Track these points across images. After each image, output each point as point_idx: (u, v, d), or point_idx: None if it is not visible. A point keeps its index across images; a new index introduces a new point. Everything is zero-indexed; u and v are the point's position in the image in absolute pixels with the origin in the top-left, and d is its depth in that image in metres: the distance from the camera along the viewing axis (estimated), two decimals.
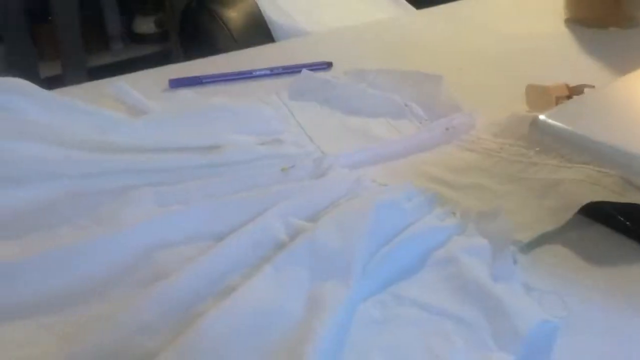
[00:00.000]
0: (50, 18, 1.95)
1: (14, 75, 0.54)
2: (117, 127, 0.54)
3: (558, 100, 0.61)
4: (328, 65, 0.77)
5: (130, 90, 0.62)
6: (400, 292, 0.39)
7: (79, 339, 0.34)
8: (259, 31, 1.28)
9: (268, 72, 0.74)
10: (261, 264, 0.39)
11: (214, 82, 0.73)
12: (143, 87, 0.66)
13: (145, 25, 2.38)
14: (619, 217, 0.46)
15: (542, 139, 0.46)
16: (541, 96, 0.63)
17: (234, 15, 1.38)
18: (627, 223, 0.45)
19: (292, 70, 0.74)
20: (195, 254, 0.40)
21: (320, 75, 0.70)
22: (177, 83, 0.72)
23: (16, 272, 0.38)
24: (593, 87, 0.59)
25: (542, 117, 0.44)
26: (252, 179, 0.50)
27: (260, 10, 1.30)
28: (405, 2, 1.38)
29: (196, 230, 0.43)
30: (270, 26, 1.28)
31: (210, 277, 0.39)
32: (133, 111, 0.61)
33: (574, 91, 0.61)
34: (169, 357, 0.32)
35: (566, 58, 0.81)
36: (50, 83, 0.72)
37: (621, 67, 0.70)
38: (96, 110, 0.55)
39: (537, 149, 0.54)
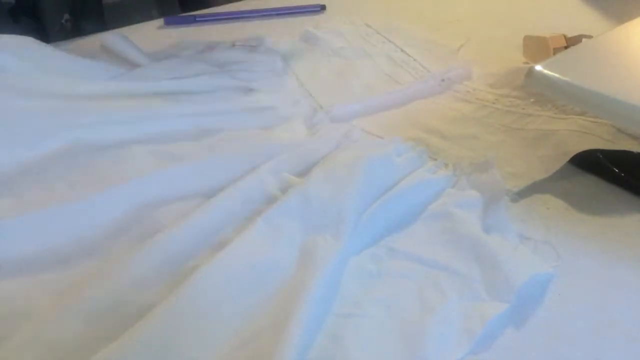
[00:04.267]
0: None
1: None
2: (107, 79, 0.53)
3: (555, 51, 0.60)
4: (321, 7, 0.76)
5: (124, 43, 0.62)
6: (394, 245, 0.40)
7: (73, 295, 0.35)
8: None
9: (261, 13, 0.74)
10: (253, 218, 0.39)
11: (207, 21, 0.74)
12: (138, 27, 0.66)
13: None
14: (611, 166, 0.46)
15: (537, 89, 0.45)
16: (539, 47, 0.62)
17: None
18: (622, 174, 0.45)
19: (285, 11, 0.74)
20: (188, 210, 0.40)
21: (319, 30, 0.69)
22: (172, 21, 0.75)
23: (11, 229, 0.38)
24: (591, 37, 0.59)
25: (537, 67, 0.44)
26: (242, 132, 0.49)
27: None
28: None
29: (189, 186, 0.43)
30: None
31: (203, 232, 0.39)
32: (126, 63, 0.61)
33: (571, 42, 0.60)
34: (163, 312, 0.33)
35: (565, 8, 0.80)
36: None
37: (620, 17, 0.69)
38: (85, 62, 0.55)
39: (532, 100, 0.54)
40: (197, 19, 0.74)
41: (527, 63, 0.63)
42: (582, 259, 0.40)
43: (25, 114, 0.47)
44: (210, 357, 0.32)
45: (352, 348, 0.33)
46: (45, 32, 0.66)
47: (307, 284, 0.34)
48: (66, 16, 0.80)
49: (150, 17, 0.77)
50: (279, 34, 0.60)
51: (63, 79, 0.51)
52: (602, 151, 0.46)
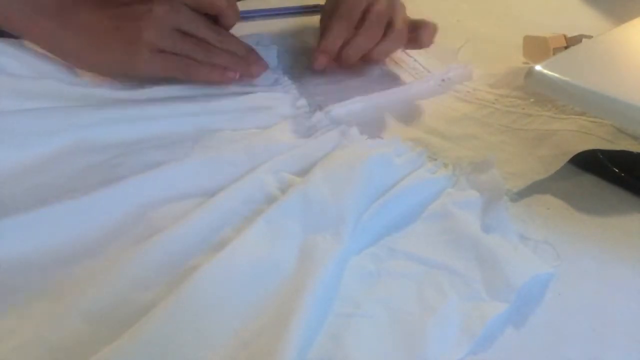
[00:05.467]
0: None
1: None
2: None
3: (555, 51, 0.60)
4: (320, 8, 0.75)
5: None
6: (394, 245, 0.40)
7: (73, 295, 0.35)
8: None
9: (260, 13, 0.73)
10: (254, 218, 0.39)
11: None
12: None
13: None
14: (611, 166, 0.46)
15: (537, 89, 0.45)
16: (539, 47, 0.62)
17: None
18: (622, 174, 0.45)
19: (283, 12, 0.73)
20: (188, 210, 0.40)
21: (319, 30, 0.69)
22: None
23: (11, 229, 0.38)
24: (591, 37, 0.59)
25: (537, 67, 0.44)
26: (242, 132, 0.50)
27: None
28: None
29: (189, 186, 0.43)
30: None
31: (203, 231, 0.39)
32: None
33: (571, 42, 0.60)
34: (163, 312, 0.33)
35: (565, 8, 0.80)
36: None
37: (620, 18, 0.69)
38: None
39: (532, 100, 0.54)
40: None
41: (527, 63, 0.63)
42: (582, 259, 0.40)
43: (25, 114, 0.47)
44: (210, 357, 0.32)
45: (352, 348, 0.33)
46: None
47: (307, 284, 0.34)
48: None
49: None
50: (277, 34, 0.60)
51: (62, 80, 0.51)
52: (602, 151, 0.46)
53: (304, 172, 0.44)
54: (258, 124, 0.51)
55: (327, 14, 0.58)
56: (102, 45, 0.50)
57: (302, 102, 0.54)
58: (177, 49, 0.51)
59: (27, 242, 0.38)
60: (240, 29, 0.70)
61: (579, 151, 0.46)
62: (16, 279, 0.36)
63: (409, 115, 0.54)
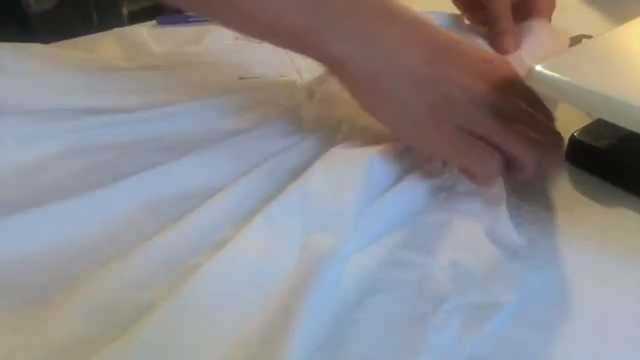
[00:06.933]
0: None
1: None
2: (109, 77, 0.53)
3: None
4: None
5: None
6: (394, 244, 0.40)
7: (73, 294, 0.35)
8: None
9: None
10: (253, 216, 0.39)
11: (201, 20, 0.74)
12: (132, 27, 0.71)
13: None
14: (611, 166, 0.46)
15: (537, 89, 0.45)
16: None
17: None
18: (623, 174, 0.46)
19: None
20: (188, 210, 0.40)
21: None
22: (166, 21, 0.75)
23: (11, 230, 0.38)
24: (591, 37, 0.59)
25: (537, 67, 0.44)
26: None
27: None
28: None
29: (189, 185, 0.43)
30: None
31: (203, 231, 0.39)
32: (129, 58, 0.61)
33: (571, 42, 0.60)
34: (163, 311, 0.33)
35: (565, 8, 0.80)
36: None
37: (620, 17, 0.69)
38: (85, 61, 0.55)
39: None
40: (190, 20, 0.74)
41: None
42: (582, 259, 0.40)
43: (26, 115, 0.47)
44: (210, 357, 0.32)
45: (352, 348, 0.33)
46: None
47: (307, 283, 0.34)
48: None
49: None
50: None
51: (63, 80, 0.52)
52: (602, 151, 0.47)
53: (304, 170, 0.44)
54: (258, 122, 0.51)
55: None
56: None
57: (304, 101, 0.54)
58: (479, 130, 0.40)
59: (27, 242, 0.38)
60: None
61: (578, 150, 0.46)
62: (16, 279, 0.36)
63: None
